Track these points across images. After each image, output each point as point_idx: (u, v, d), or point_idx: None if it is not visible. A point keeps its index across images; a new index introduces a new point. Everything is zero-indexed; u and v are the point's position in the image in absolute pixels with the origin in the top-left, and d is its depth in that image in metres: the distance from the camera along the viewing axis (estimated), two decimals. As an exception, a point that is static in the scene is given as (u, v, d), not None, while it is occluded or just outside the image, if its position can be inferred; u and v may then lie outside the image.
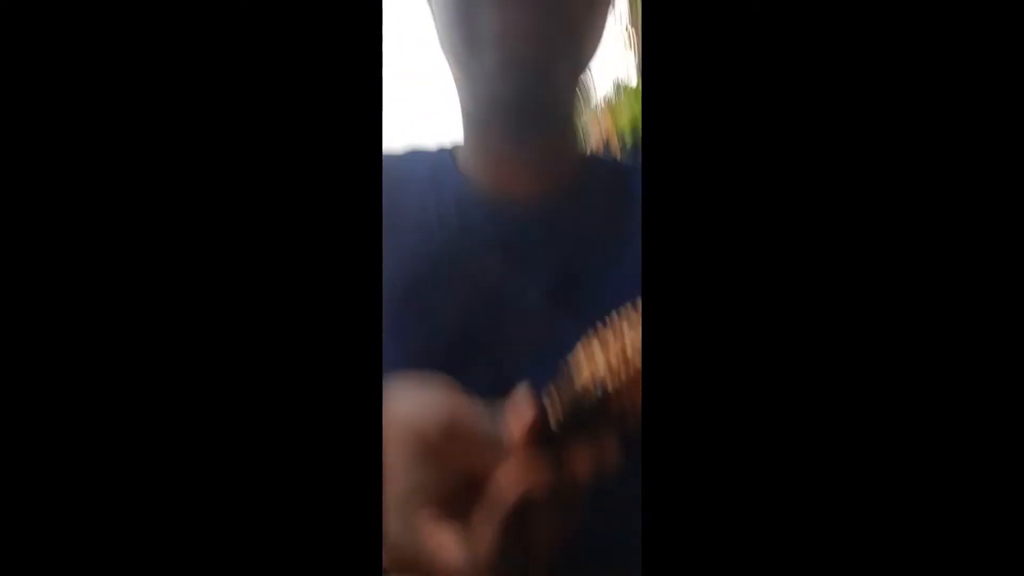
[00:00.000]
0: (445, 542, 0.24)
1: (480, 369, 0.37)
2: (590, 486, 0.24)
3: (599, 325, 0.26)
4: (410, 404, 0.28)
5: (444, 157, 0.48)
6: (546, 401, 0.25)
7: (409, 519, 0.25)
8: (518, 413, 0.25)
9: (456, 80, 0.43)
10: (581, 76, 0.42)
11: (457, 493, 0.26)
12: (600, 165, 0.49)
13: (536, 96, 0.39)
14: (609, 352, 0.25)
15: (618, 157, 0.53)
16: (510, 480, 0.24)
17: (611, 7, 0.44)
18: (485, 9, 0.38)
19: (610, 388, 0.24)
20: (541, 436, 0.24)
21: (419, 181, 0.46)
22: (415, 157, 0.49)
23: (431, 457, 0.26)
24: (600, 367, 0.25)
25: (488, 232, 0.43)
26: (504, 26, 0.37)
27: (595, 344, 0.26)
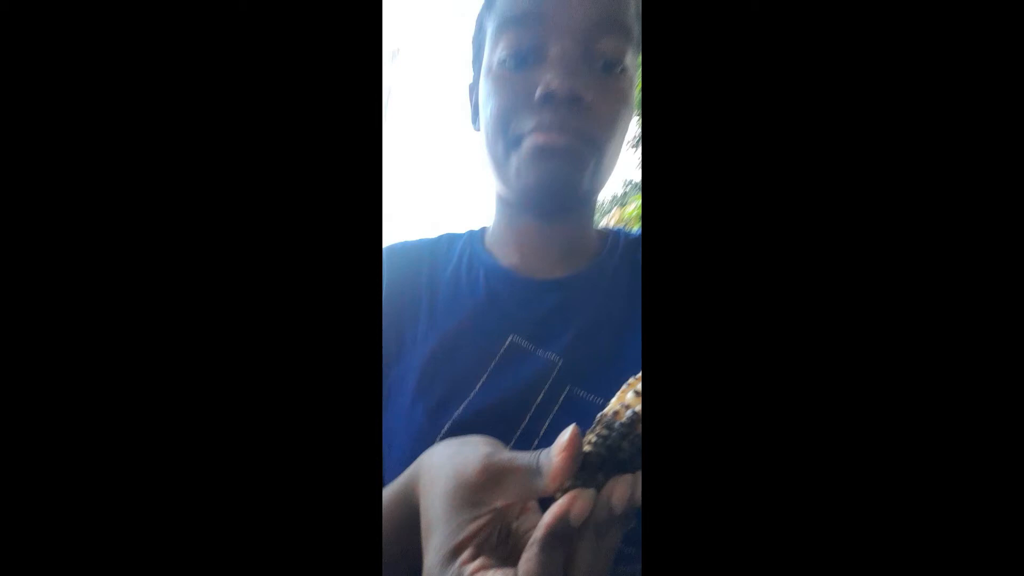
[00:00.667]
0: None
1: (503, 432, 0.38)
2: (626, 514, 0.24)
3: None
4: (449, 456, 0.28)
5: (474, 238, 0.53)
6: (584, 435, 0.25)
7: (455, 567, 0.25)
8: (558, 438, 0.25)
9: (492, 166, 0.46)
10: (606, 169, 0.45)
11: (501, 535, 0.27)
12: (614, 237, 0.52)
13: (563, 183, 0.43)
14: (637, 384, 0.26)
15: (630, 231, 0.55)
16: (553, 507, 0.24)
17: (633, 112, 0.46)
18: (524, 109, 0.42)
19: (639, 410, 0.25)
20: (576, 456, 0.24)
21: (452, 259, 0.51)
22: (448, 239, 0.54)
23: (473, 500, 0.26)
24: (628, 396, 0.26)
25: (513, 303, 0.46)
26: (539, 120, 0.41)
27: (625, 385, 0.27)
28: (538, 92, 0.41)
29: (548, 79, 0.40)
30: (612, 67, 0.43)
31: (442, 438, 0.38)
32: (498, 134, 0.43)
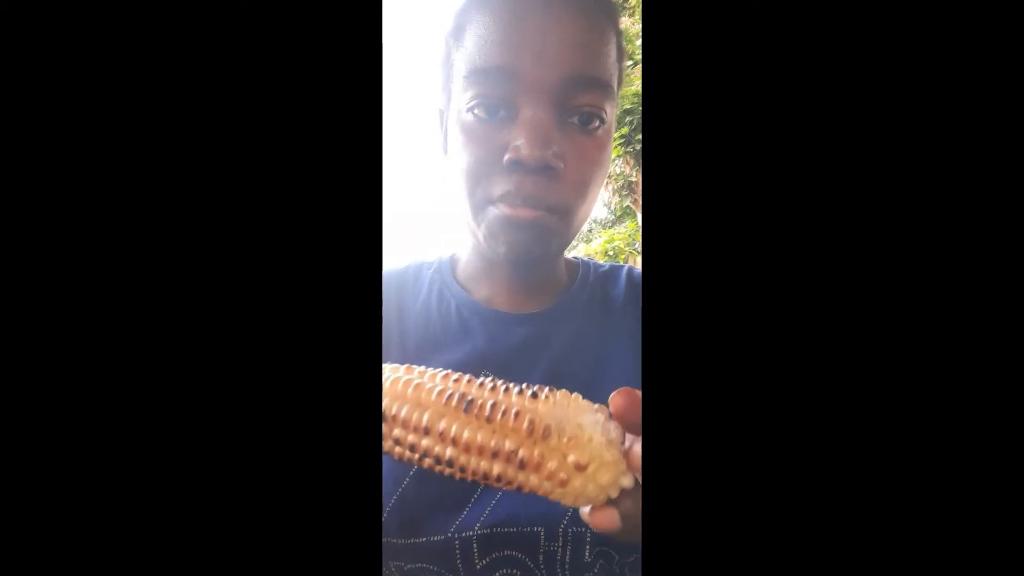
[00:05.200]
0: None
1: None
2: None
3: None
4: None
5: (444, 268, 0.53)
6: None
7: None
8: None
9: (465, 211, 0.44)
10: (577, 227, 0.45)
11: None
12: (584, 268, 0.54)
13: (531, 251, 0.42)
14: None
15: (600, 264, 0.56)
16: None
17: (607, 179, 0.58)
18: (494, 170, 0.41)
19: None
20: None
21: (421, 291, 0.51)
22: (415, 270, 0.54)
23: None
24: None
25: (486, 337, 0.47)
26: (508, 188, 0.40)
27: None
28: (507, 157, 0.40)
29: (518, 145, 0.39)
30: (588, 122, 0.41)
31: (412, 477, 0.40)
32: (469, 191, 0.42)
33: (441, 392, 0.28)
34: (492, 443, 0.27)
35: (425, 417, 0.27)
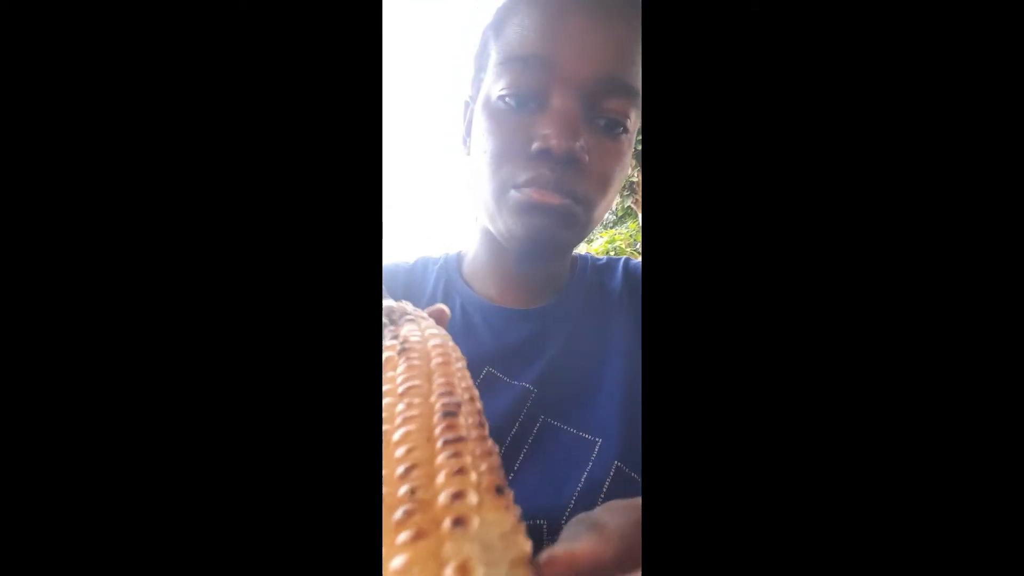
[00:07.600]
0: None
1: None
2: None
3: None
4: None
5: (450, 264, 0.53)
6: None
7: None
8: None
9: (480, 202, 0.45)
10: (593, 223, 0.45)
11: None
12: (582, 262, 0.54)
13: (549, 240, 0.42)
14: None
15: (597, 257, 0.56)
16: None
17: (628, 170, 0.46)
18: (519, 157, 0.41)
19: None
20: None
21: (427, 287, 0.51)
22: (423, 265, 0.54)
23: None
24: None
25: (489, 333, 0.47)
26: (534, 175, 0.40)
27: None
28: (535, 145, 0.40)
29: (547, 134, 0.40)
30: (614, 127, 0.42)
31: None
32: (491, 174, 0.43)
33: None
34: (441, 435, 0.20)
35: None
